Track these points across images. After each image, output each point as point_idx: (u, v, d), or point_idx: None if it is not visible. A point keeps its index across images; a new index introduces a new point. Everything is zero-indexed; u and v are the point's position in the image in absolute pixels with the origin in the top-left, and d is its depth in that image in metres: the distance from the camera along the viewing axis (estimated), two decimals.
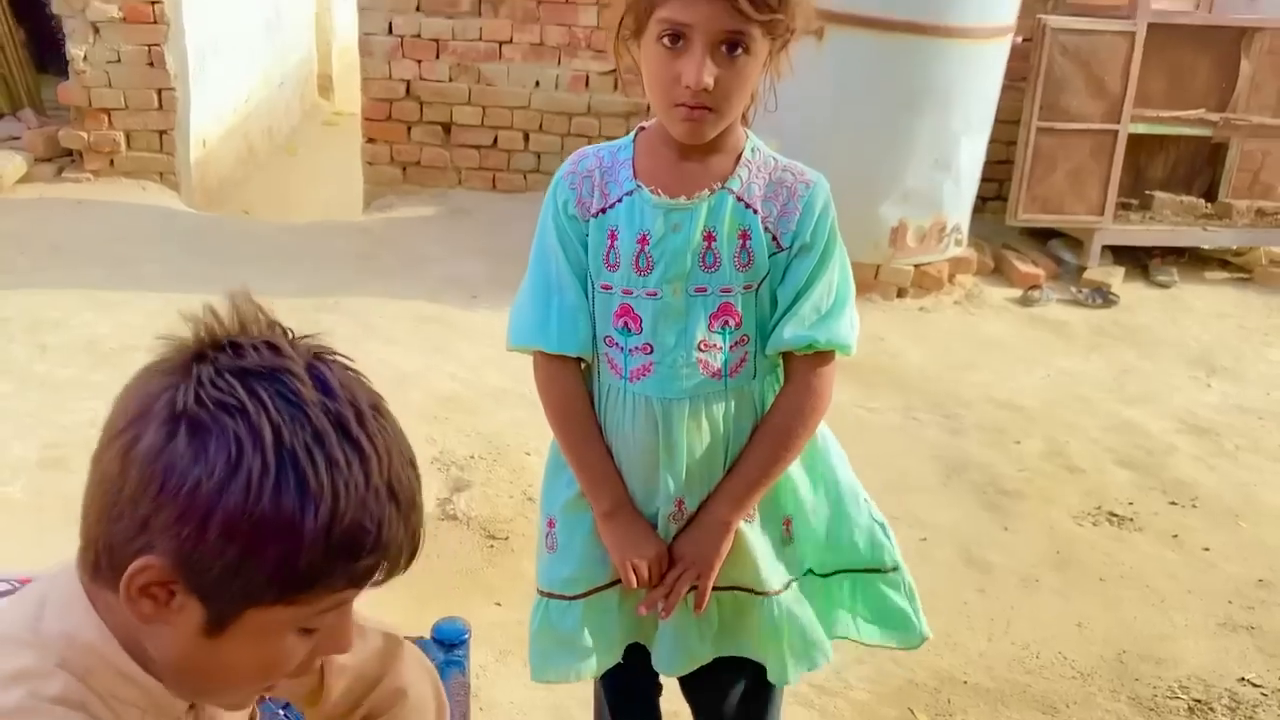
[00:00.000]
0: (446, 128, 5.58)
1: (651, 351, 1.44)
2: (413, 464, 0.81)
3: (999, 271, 5.03)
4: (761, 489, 1.47)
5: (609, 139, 5.43)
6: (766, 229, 1.42)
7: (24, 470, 2.82)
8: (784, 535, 1.53)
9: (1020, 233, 5.31)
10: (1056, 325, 4.58)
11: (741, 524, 1.49)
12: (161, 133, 5.38)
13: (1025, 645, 2.49)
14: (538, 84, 5.53)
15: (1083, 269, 5.04)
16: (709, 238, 1.41)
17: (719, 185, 1.41)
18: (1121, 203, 5.18)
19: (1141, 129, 5.05)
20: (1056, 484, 3.25)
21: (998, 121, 4.76)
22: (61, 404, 3.18)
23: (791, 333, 1.42)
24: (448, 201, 5.59)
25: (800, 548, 1.54)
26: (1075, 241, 5.19)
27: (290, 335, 0.80)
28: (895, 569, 1.57)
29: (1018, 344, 4.37)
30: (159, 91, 5.31)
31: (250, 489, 0.72)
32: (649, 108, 1.41)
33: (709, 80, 1.28)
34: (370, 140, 5.62)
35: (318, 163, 7.40)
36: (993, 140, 4.81)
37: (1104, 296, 4.82)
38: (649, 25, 1.31)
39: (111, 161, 5.36)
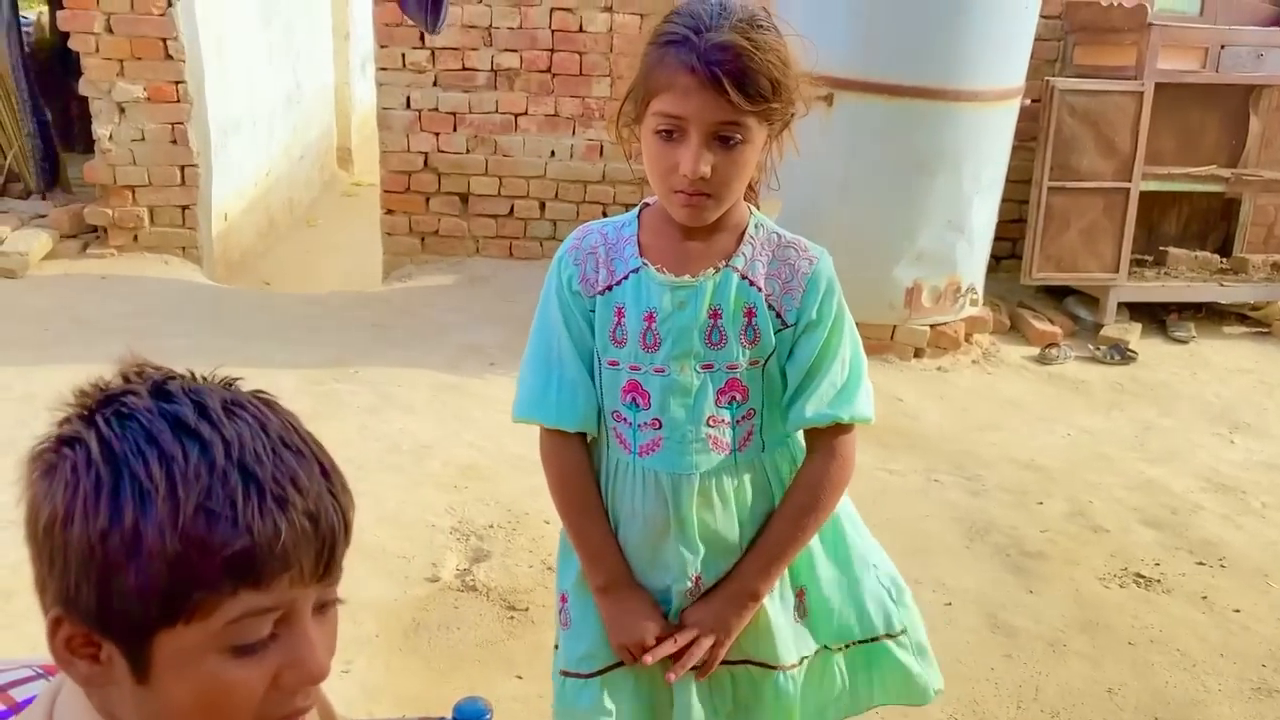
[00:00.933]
0: (464, 198, 5.67)
1: (660, 427, 1.45)
2: (294, 449, 0.77)
3: (1015, 330, 5.03)
4: (789, 559, 1.47)
5: (625, 206, 5.50)
6: (770, 306, 1.43)
7: None
8: (798, 607, 1.53)
9: (1035, 291, 5.32)
10: (1075, 383, 4.56)
11: None
12: (184, 208, 5.48)
13: (1055, 713, 2.44)
14: (553, 154, 5.62)
15: (1099, 326, 5.03)
16: (714, 315, 1.42)
17: (723, 263, 1.43)
18: (1136, 259, 5.19)
19: (1153, 186, 5.08)
20: (1081, 545, 3.21)
21: (1009, 181, 4.79)
22: None
23: (813, 411, 1.43)
24: (465, 270, 5.65)
25: (814, 621, 1.53)
26: (1091, 299, 5.19)
27: (182, 378, 0.79)
28: (904, 631, 1.56)
29: (1037, 403, 4.35)
30: (182, 168, 5.42)
31: (88, 506, 0.72)
32: None
33: (705, 170, 1.31)
34: (389, 211, 5.71)
35: (337, 234, 7.51)
36: (1005, 200, 4.84)
37: (1122, 353, 4.80)
38: (646, 116, 1.35)
39: (135, 237, 5.45)
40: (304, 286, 5.80)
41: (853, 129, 4.26)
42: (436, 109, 5.53)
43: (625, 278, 1.45)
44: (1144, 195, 5.02)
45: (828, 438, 1.46)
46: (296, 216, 7.65)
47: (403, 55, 5.43)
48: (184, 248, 5.52)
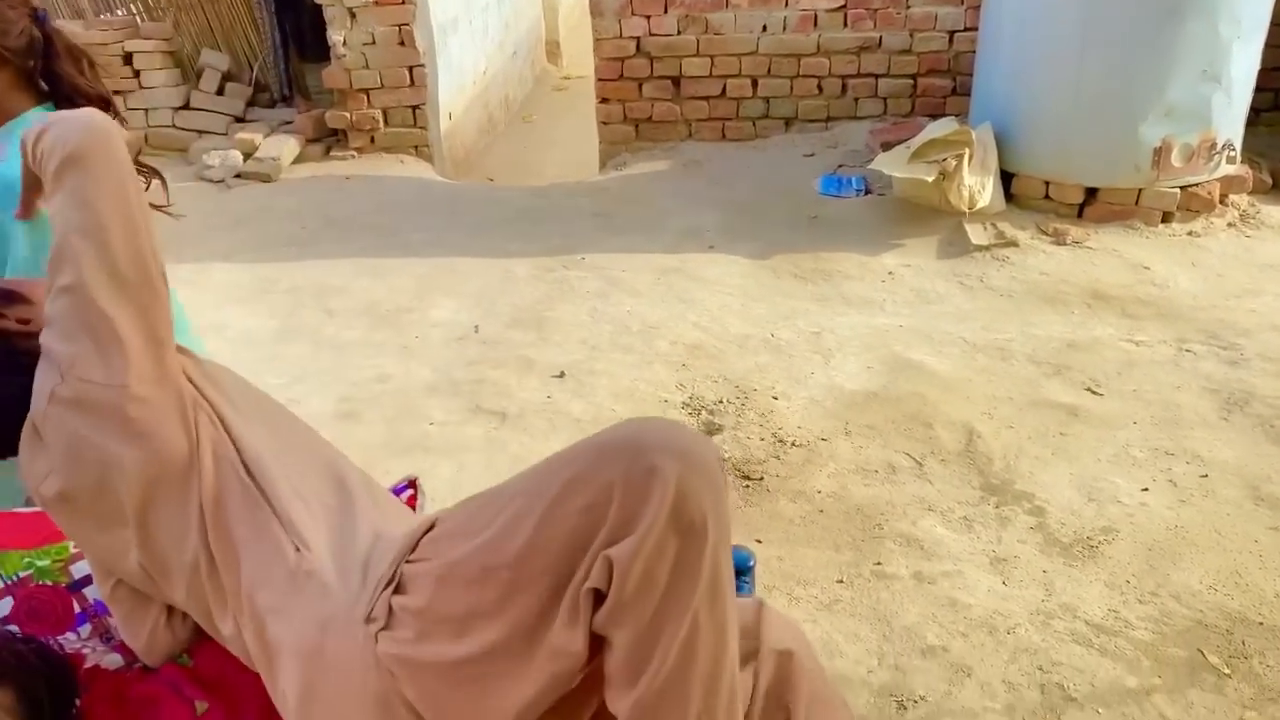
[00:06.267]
0: (676, 81, 5.64)
1: None
2: None
3: (1278, 190, 4.59)
4: None
5: (840, 78, 5.28)
6: None
7: (323, 422, 3.12)
8: None
9: None
10: None
11: None
12: (414, 108, 5.74)
13: None
14: (765, 28, 5.48)
15: None
16: None
17: None
18: None
19: None
20: None
21: (1273, 25, 4.31)
22: (350, 362, 3.49)
23: None
24: (679, 155, 5.67)
25: None
26: None
27: None
28: None
29: None
30: (410, 69, 5.66)
31: None
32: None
33: None
34: (604, 100, 5.76)
35: (552, 128, 7.67)
36: (1268, 45, 4.37)
37: None
38: None
39: (372, 138, 5.77)
40: (524, 180, 5.99)
41: None
42: None
43: None
44: None
45: None
46: (512, 113, 7.85)
47: None
48: (416, 146, 5.79)
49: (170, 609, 1.27)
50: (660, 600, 1.02)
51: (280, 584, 1.14)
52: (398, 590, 1.14)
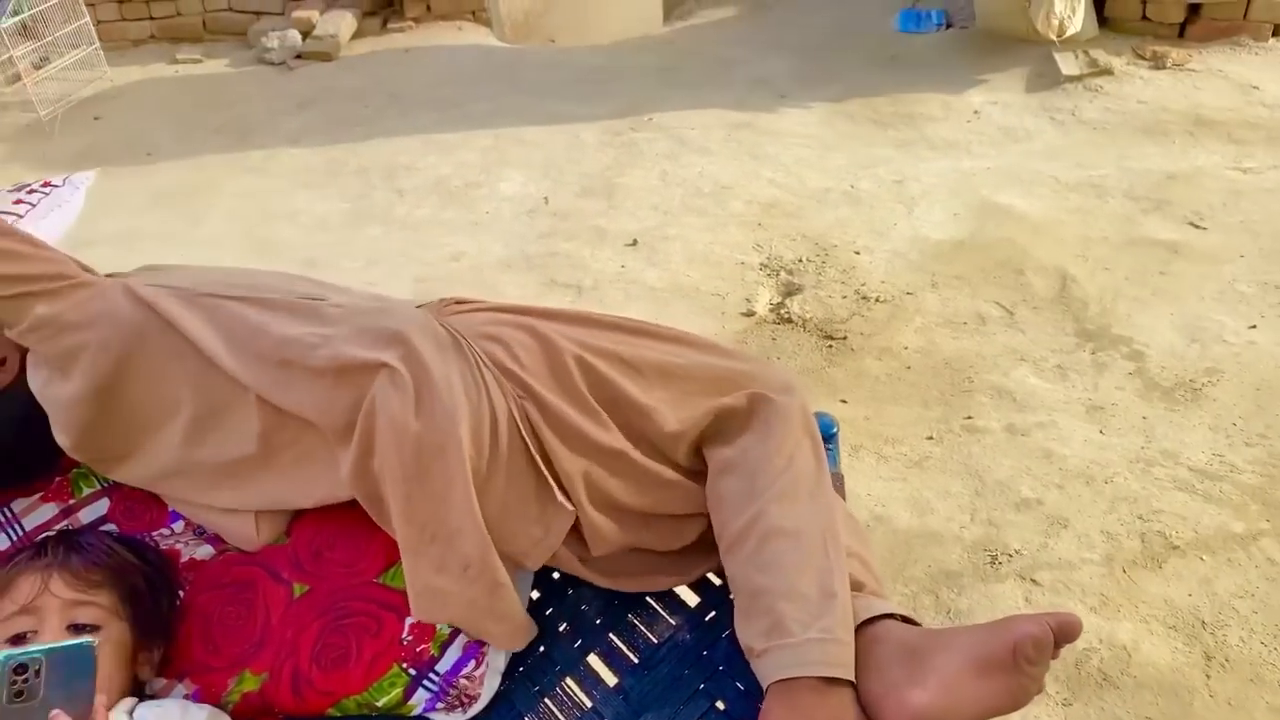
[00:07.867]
0: None
1: None
2: None
3: None
4: None
5: None
6: None
7: None
8: None
9: None
10: None
11: None
12: None
13: None
14: None
15: None
16: None
17: None
18: None
19: None
20: None
21: None
22: (423, 241, 3.48)
23: None
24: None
25: None
26: None
27: None
28: None
29: None
30: None
31: None
32: None
33: None
34: None
35: None
36: None
37: None
38: None
39: (428, 6, 5.61)
40: (587, 40, 5.79)
41: None
42: None
43: None
44: None
45: None
46: None
47: None
48: (473, 11, 5.62)
49: None
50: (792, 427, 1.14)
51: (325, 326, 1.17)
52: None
